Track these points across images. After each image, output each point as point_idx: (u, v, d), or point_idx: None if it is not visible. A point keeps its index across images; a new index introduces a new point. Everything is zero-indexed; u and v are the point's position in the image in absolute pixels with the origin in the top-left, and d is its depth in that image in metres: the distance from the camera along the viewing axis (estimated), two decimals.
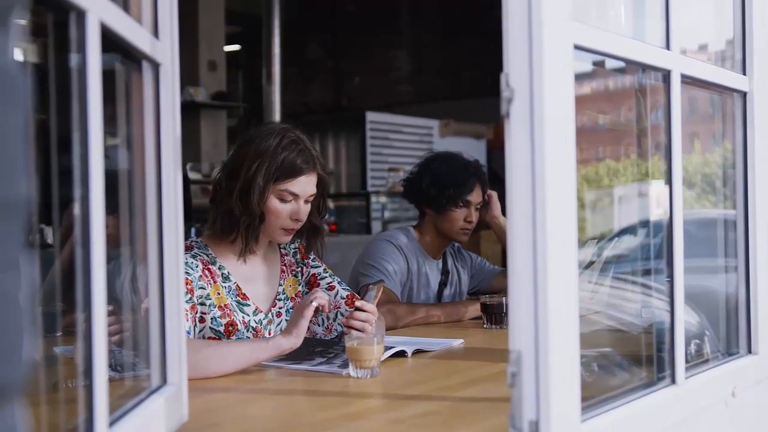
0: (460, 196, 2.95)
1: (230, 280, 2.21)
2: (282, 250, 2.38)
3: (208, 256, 2.20)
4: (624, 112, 1.95)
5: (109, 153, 1.11)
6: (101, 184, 1.00)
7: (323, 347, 2.15)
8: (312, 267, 2.39)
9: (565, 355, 1.19)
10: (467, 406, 1.64)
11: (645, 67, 1.54)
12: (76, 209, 0.98)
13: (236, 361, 1.91)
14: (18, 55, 0.62)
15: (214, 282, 2.17)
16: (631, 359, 1.70)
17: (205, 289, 2.13)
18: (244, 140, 2.22)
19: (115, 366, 1.29)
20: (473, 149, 6.89)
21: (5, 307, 0.55)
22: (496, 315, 2.62)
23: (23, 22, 0.65)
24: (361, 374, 1.84)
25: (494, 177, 5.24)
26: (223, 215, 2.18)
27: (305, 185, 2.19)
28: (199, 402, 1.58)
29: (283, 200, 2.17)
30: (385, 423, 1.53)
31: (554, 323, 1.15)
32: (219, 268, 2.21)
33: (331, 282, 2.37)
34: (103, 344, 1.00)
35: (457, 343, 2.33)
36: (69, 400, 1.16)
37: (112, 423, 1.07)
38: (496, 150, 7.92)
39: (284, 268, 2.36)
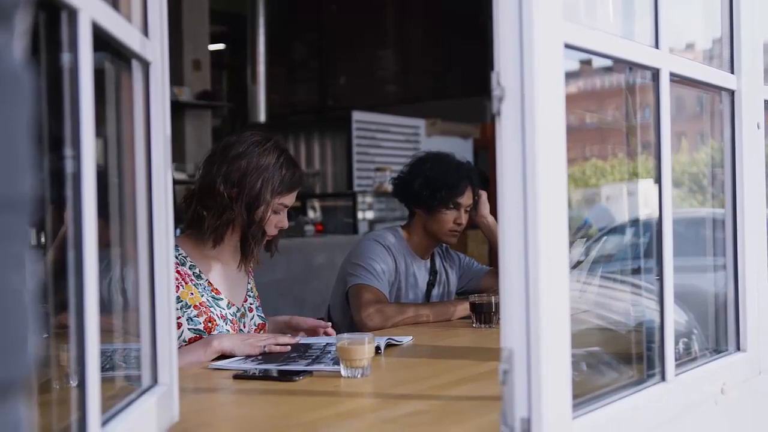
0: (451, 198, 2.94)
1: (202, 278, 2.25)
2: None
3: (177, 258, 2.20)
4: (610, 111, 1.96)
5: (97, 153, 1.10)
6: (93, 184, 0.99)
7: (310, 349, 2.14)
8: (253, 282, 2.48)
9: (556, 352, 1.19)
10: (458, 405, 1.64)
11: (635, 66, 1.55)
12: (68, 210, 0.97)
13: None
14: (21, 54, 0.62)
15: (186, 283, 2.18)
16: (620, 357, 1.70)
17: (175, 291, 2.14)
18: (237, 152, 2.22)
19: (103, 366, 1.28)
20: (460, 149, 6.90)
21: (12, 304, 0.56)
22: (485, 314, 2.62)
23: (26, 21, 0.65)
24: (351, 374, 1.84)
25: (481, 176, 5.23)
26: (227, 224, 2.22)
27: (294, 197, 2.30)
28: (190, 402, 1.57)
29: (276, 212, 2.25)
30: (377, 422, 1.53)
31: (546, 321, 1.16)
32: (190, 268, 2.24)
33: (257, 303, 2.45)
34: (95, 345, 1.00)
35: (407, 340, 2.33)
36: (58, 400, 1.16)
37: (104, 423, 1.06)
38: (483, 150, 7.92)
39: (250, 268, 2.43)
